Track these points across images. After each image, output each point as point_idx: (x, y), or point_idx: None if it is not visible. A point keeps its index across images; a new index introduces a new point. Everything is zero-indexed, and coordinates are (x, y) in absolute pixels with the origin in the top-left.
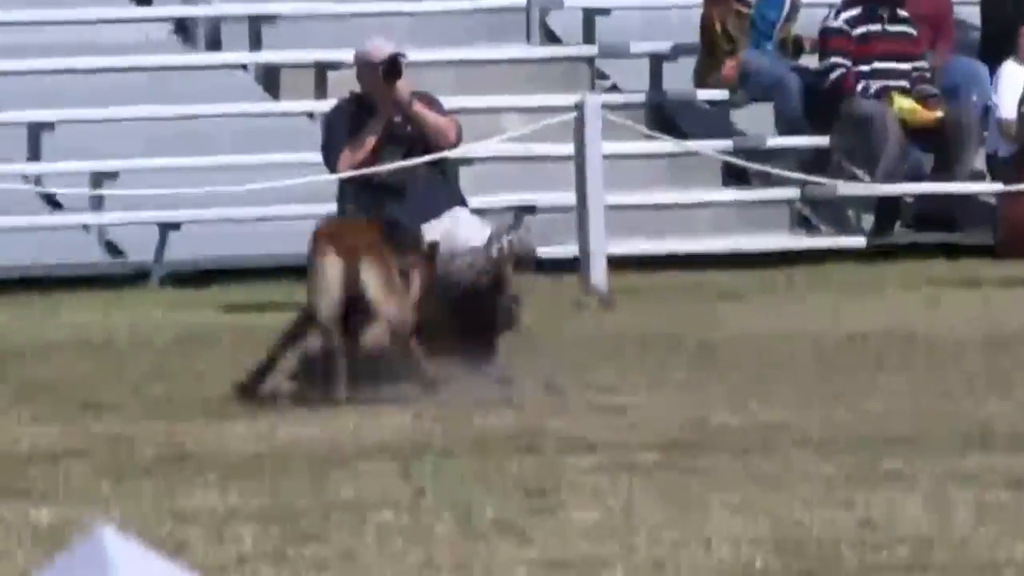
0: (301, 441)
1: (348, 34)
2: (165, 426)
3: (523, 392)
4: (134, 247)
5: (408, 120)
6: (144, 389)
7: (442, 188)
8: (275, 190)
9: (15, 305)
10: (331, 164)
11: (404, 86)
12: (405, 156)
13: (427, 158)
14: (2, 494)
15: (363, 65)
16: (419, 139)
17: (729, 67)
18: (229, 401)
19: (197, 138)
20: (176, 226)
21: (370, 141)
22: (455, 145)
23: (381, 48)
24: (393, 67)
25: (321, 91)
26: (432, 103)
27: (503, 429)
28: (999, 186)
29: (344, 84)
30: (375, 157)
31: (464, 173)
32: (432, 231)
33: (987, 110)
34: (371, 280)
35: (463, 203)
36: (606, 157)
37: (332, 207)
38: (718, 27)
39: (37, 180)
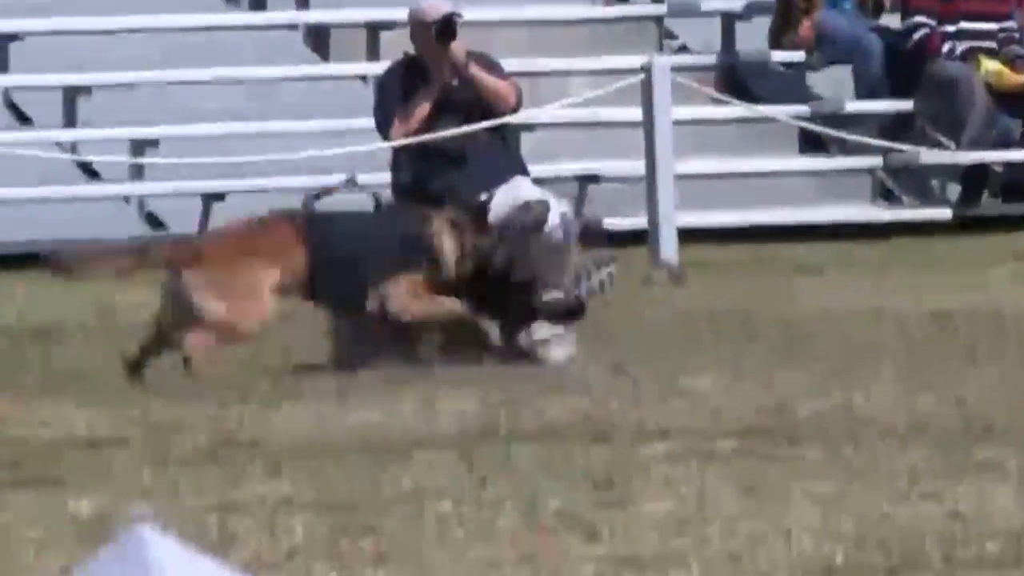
0: (357, 427)
1: None
2: (212, 411)
3: (590, 375)
4: (176, 219)
5: (464, 84)
6: (190, 372)
7: (502, 156)
8: (325, 159)
9: (50, 281)
10: (384, 131)
11: (459, 48)
12: (463, 122)
13: (486, 124)
14: (39, 484)
15: (416, 25)
16: (477, 104)
17: (805, 27)
18: (280, 384)
19: (242, 104)
20: (221, 197)
21: (424, 107)
22: (515, 110)
23: (436, 7)
24: (447, 27)
25: (373, 53)
26: (490, 66)
27: (570, 415)
28: None
29: (398, 45)
30: (431, 123)
31: (525, 139)
32: (493, 200)
33: None
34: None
35: (524, 172)
36: (675, 123)
37: (386, 176)
38: None
39: (73, 148)
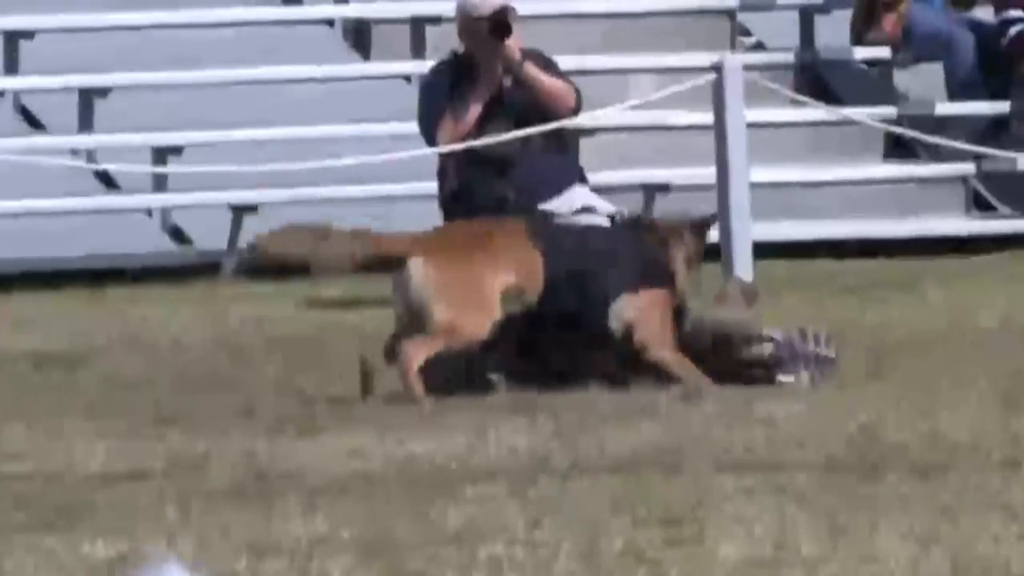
0: (401, 460)
1: None
2: (242, 442)
3: (656, 402)
4: (203, 233)
5: (519, 84)
6: (217, 399)
7: (560, 163)
8: (366, 166)
9: (66, 300)
10: (430, 136)
11: (514, 44)
12: (516, 125)
13: (542, 128)
14: (52, 522)
15: (466, 19)
16: (532, 106)
17: (891, 21)
18: (317, 412)
19: (275, 106)
20: (252, 208)
21: (475, 110)
22: (574, 113)
23: (483, 5)
24: (501, 22)
25: (418, 50)
26: (547, 64)
27: (634, 446)
28: None
29: (445, 42)
30: (481, 127)
31: (585, 145)
32: (554, 210)
33: None
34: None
35: (583, 180)
36: (749, 126)
37: (432, 185)
38: None
39: (90, 155)
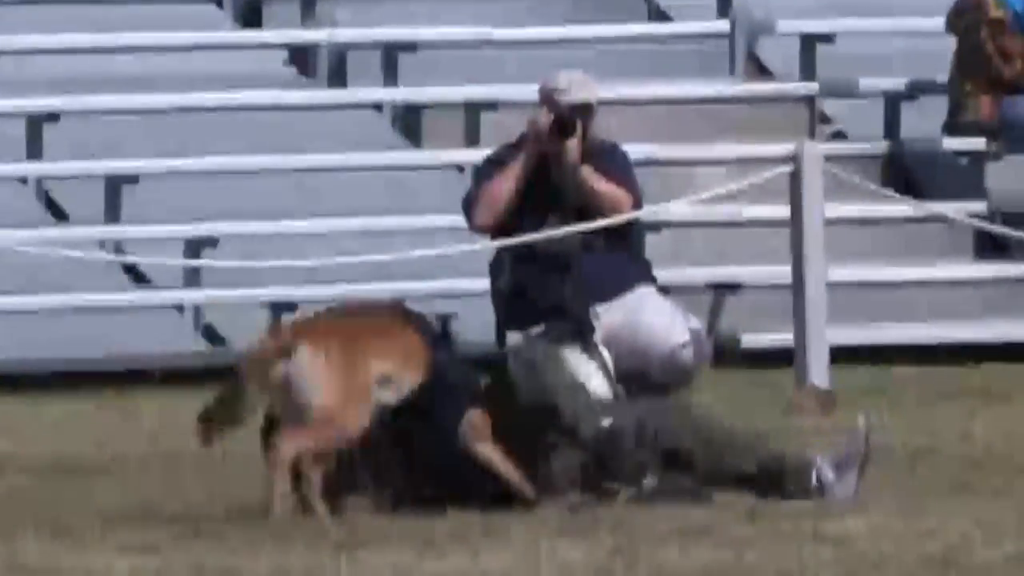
0: None
1: (506, 66)
2: (277, 557)
3: (720, 518)
4: (239, 332)
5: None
6: (251, 511)
7: (623, 260)
8: (416, 261)
9: (92, 403)
10: (470, 216)
11: (575, 146)
12: (576, 220)
13: (604, 222)
14: None
15: (546, 95)
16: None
17: (987, 104)
18: (355, 525)
19: (317, 196)
20: (291, 307)
21: (510, 181)
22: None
23: (575, 87)
24: (565, 123)
25: (472, 138)
26: (615, 160)
27: (695, 566)
28: None
29: (501, 128)
30: (538, 219)
31: (651, 240)
32: (609, 314)
33: None
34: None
35: (650, 279)
36: (829, 222)
37: (484, 283)
38: (990, 47)
39: (118, 247)
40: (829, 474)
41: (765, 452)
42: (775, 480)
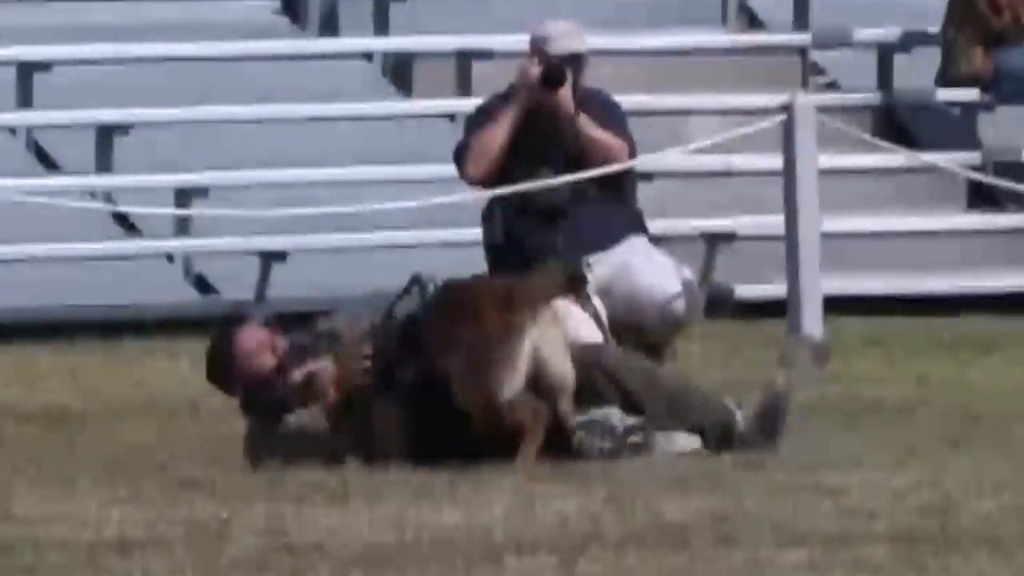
0: (438, 530)
1: (498, 15)
2: (267, 510)
3: (716, 469)
4: (229, 282)
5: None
6: (240, 463)
7: (616, 211)
8: (406, 212)
9: (78, 353)
10: (460, 167)
11: (567, 96)
12: (568, 169)
13: (596, 172)
14: None
15: (536, 47)
16: (585, 156)
17: (981, 57)
18: (349, 477)
19: (308, 146)
20: (282, 256)
21: (501, 130)
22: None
23: (561, 37)
24: (553, 74)
25: (464, 87)
26: (608, 110)
27: (692, 516)
28: None
29: (493, 79)
30: (530, 170)
31: (643, 191)
32: (602, 265)
33: None
34: None
35: (642, 230)
36: (822, 173)
37: (476, 232)
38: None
39: (108, 197)
40: (741, 427)
41: (715, 405)
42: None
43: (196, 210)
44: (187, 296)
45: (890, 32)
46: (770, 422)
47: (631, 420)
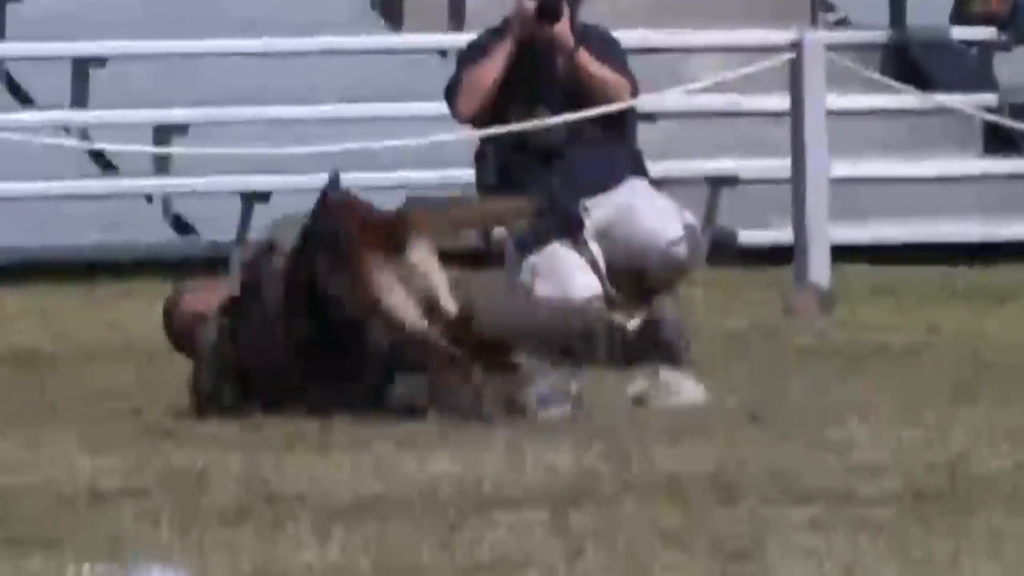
0: (426, 480)
1: None
2: (247, 458)
3: (716, 420)
4: (209, 223)
5: (570, 71)
6: (219, 411)
7: (615, 152)
8: (394, 151)
9: (57, 295)
10: (453, 104)
11: (564, 30)
12: (565, 107)
13: (596, 111)
14: (31, 546)
15: None
16: (584, 93)
17: None
18: (332, 426)
19: (293, 81)
20: (264, 196)
21: (495, 65)
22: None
23: None
24: (550, 7)
25: (456, 21)
26: (607, 46)
27: (690, 469)
28: None
29: (485, 14)
30: (526, 108)
31: (644, 131)
32: (600, 209)
33: None
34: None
35: (643, 172)
36: (830, 114)
37: (468, 173)
38: None
39: (84, 134)
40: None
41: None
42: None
43: (175, 148)
44: (166, 236)
45: None
46: (656, 330)
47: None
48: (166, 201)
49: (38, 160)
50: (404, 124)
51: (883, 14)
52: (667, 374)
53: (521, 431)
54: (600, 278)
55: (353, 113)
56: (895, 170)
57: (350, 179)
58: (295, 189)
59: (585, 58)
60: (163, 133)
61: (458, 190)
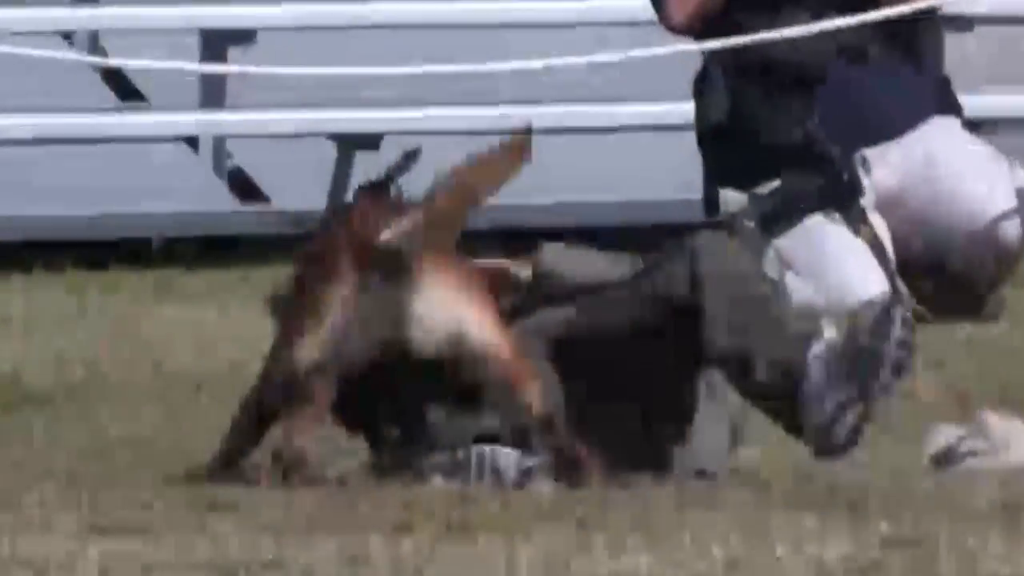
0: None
1: None
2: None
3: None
4: (283, 183)
5: None
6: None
7: (909, 76)
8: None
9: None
10: (661, 7)
11: None
12: (832, 10)
13: (881, 13)
14: None
15: None
16: None
17: None
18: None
19: None
20: (371, 140)
21: None
22: None
23: None
24: None
25: None
26: None
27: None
28: None
29: None
30: (771, 11)
31: (954, 47)
32: (888, 164)
33: None
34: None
35: (952, 108)
36: None
37: (685, 109)
38: None
39: (94, 42)
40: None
41: None
42: None
43: (233, 66)
44: (217, 204)
45: None
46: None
47: (528, 462)
48: (217, 149)
49: (29, 84)
50: (594, 32)
51: None
52: (995, 419)
53: None
54: (887, 271)
55: (496, 18)
56: None
57: (488, 117)
58: (416, 131)
59: None
60: (215, 43)
61: (667, 135)
